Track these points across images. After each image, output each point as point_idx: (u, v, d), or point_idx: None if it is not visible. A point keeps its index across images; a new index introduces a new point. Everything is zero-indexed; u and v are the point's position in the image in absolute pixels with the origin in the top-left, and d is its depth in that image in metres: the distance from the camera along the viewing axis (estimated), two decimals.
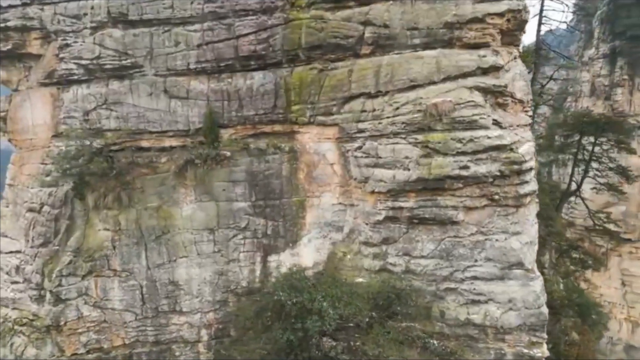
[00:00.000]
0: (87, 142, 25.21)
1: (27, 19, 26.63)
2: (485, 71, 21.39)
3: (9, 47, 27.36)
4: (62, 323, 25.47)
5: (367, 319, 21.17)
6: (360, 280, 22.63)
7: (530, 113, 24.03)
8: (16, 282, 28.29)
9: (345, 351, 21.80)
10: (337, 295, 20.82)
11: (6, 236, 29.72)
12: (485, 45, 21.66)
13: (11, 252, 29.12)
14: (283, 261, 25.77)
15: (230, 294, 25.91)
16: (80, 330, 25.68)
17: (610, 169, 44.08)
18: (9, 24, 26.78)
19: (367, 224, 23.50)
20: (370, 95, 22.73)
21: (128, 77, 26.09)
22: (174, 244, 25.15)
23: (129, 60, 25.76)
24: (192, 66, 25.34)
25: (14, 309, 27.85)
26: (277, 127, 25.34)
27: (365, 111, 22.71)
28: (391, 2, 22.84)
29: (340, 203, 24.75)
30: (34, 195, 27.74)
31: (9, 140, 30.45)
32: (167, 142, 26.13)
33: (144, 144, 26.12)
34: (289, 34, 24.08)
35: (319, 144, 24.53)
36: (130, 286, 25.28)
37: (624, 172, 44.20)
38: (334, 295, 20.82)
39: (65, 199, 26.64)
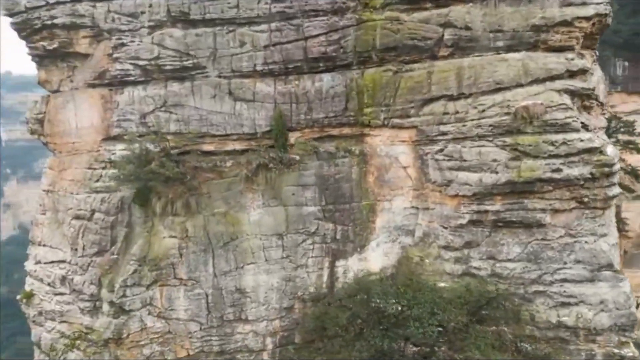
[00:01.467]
0: (151, 146, 23.54)
1: (77, 16, 25.05)
2: (572, 74, 21.30)
3: (55, 45, 25.70)
4: (124, 335, 24.09)
5: (452, 324, 20.36)
6: (442, 284, 22.14)
7: (607, 115, 23.89)
8: (62, 294, 26.74)
9: (432, 357, 20.96)
10: (435, 301, 20.00)
11: (45, 245, 27.97)
12: (570, 48, 21.51)
13: (53, 262, 27.50)
14: (350, 266, 25.04)
15: (297, 300, 25.05)
16: (143, 342, 24.32)
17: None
18: (57, 21, 25.16)
19: (445, 227, 22.96)
20: (452, 98, 22.24)
21: (189, 79, 24.81)
22: (242, 251, 24.05)
23: (190, 61, 24.49)
24: (258, 68, 24.30)
25: (62, 322, 26.30)
26: (346, 130, 24.60)
27: (447, 113, 22.19)
28: (471, 4, 22.39)
29: (412, 207, 24.13)
30: (81, 201, 26.13)
31: (46, 144, 28.51)
32: (231, 146, 25.07)
33: (207, 147, 24.86)
34: (362, 35, 23.39)
35: (392, 147, 23.91)
36: (196, 295, 24.06)
37: (632, 172, 44.92)
38: (431, 300, 19.99)
39: (121, 206, 25.12)
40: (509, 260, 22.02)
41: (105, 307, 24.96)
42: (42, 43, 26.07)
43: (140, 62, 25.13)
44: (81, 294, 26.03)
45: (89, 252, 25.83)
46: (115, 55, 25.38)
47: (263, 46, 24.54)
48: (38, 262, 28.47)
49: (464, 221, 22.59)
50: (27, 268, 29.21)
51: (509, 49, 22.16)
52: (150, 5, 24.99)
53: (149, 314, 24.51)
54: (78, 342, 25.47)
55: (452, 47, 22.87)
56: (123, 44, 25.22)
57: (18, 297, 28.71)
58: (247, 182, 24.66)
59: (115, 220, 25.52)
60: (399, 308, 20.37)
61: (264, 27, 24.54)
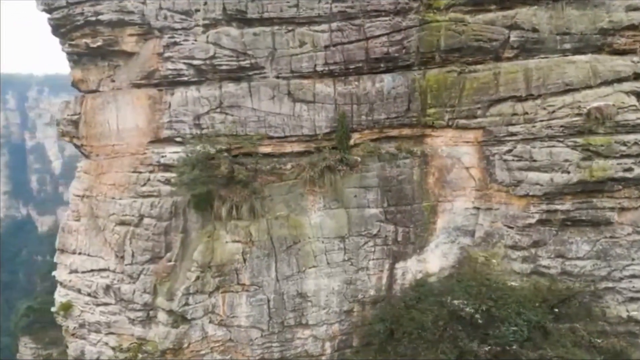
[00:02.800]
0: (212, 149, 22.76)
1: (125, 12, 24.00)
2: (637, 76, 21.78)
3: (99, 43, 24.48)
4: (184, 345, 22.96)
5: (534, 323, 20.62)
6: (513, 284, 22.23)
7: None
8: (106, 304, 25.66)
9: (520, 356, 20.98)
10: (519, 301, 20.14)
11: (81, 253, 26.71)
12: (632, 51, 22.15)
13: (92, 270, 26.30)
14: (409, 268, 25.02)
15: (356, 303, 24.68)
16: (203, 352, 23.56)
17: None
18: (102, 17, 24.02)
19: (511, 227, 23.27)
20: (520, 99, 22.59)
21: (246, 79, 24.17)
22: (304, 254, 23.67)
23: (248, 61, 23.84)
24: (319, 68, 23.96)
25: (109, 333, 25.16)
26: (406, 131, 24.57)
27: (516, 114, 22.48)
28: (536, 6, 22.73)
29: (474, 207, 24.14)
30: (125, 206, 25.08)
31: (79, 147, 27.13)
32: (289, 148, 24.58)
33: (264, 149, 24.08)
34: (426, 36, 23.38)
35: (454, 148, 24.01)
36: (258, 301, 23.52)
37: None
38: (516, 300, 20.15)
39: (175, 210, 23.99)
40: (579, 258, 22.46)
41: (162, 316, 23.98)
42: (84, 40, 24.81)
43: (195, 62, 24.27)
44: (131, 304, 24.94)
45: (139, 260, 24.75)
46: (166, 55, 24.41)
47: (323, 46, 24.21)
48: (74, 272, 27.09)
49: (532, 221, 22.88)
50: (59, 278, 27.78)
51: (576, 51, 22.66)
52: (205, 3, 24.17)
53: (210, 322, 23.77)
54: (129, 354, 24.19)
55: (517, 49, 23.16)
56: (176, 43, 24.30)
57: (53, 309, 27.05)
58: (308, 185, 24.19)
59: (169, 226, 24.59)
60: (484, 308, 20.32)
61: (324, 27, 24.15)
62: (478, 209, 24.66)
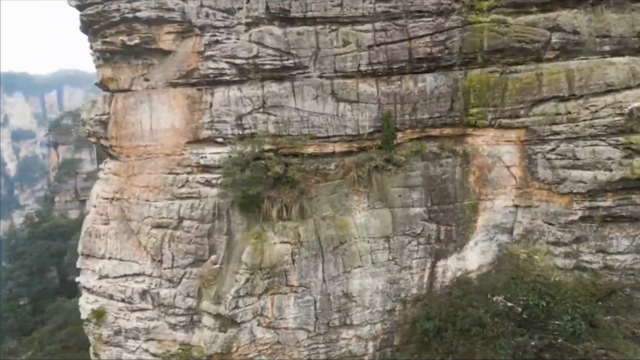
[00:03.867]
0: (255, 149, 22.71)
1: (165, 10, 23.63)
2: None
3: (136, 41, 24.05)
4: (233, 349, 22.74)
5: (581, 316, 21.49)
6: (557, 279, 22.91)
7: None
8: (143, 310, 25.24)
9: (551, 348, 21.84)
10: (574, 295, 20.92)
11: (112, 258, 26.17)
12: None
13: (126, 275, 25.73)
14: (449, 266, 25.55)
15: (399, 302, 25.03)
16: (251, 355, 23.51)
17: None
18: (140, 14, 23.56)
19: (552, 224, 24.15)
20: (562, 99, 23.42)
21: (289, 79, 24.15)
22: (350, 254, 23.87)
23: (291, 61, 23.85)
24: (362, 68, 24.20)
25: (148, 340, 24.74)
26: (447, 130, 25.07)
27: (559, 114, 23.29)
28: (576, 9, 23.52)
29: (513, 205, 24.80)
30: (162, 209, 24.74)
31: (108, 148, 26.56)
32: (331, 148, 24.71)
33: (307, 150, 24.05)
34: (469, 37, 23.95)
35: (496, 147, 24.64)
36: (305, 302, 23.61)
37: None
38: (571, 295, 20.92)
39: (218, 212, 23.74)
40: (619, 252, 23.43)
41: (208, 320, 23.72)
42: (120, 38, 24.25)
43: (237, 61, 24.11)
44: (172, 308, 24.59)
45: (181, 263, 24.41)
46: (208, 53, 24.13)
47: (367, 46, 24.42)
48: (104, 277, 26.46)
49: (575, 217, 23.72)
50: (86, 284, 27.08)
51: (615, 53, 23.60)
52: (248, 1, 24.11)
53: (259, 324, 23.67)
54: (176, 359, 23.74)
55: (558, 50, 23.97)
56: (218, 42, 24.08)
57: (85, 316, 26.26)
58: (353, 185, 24.35)
59: (211, 228, 24.34)
60: (544, 304, 20.97)
61: (368, 26, 24.38)
62: (517, 206, 25.38)
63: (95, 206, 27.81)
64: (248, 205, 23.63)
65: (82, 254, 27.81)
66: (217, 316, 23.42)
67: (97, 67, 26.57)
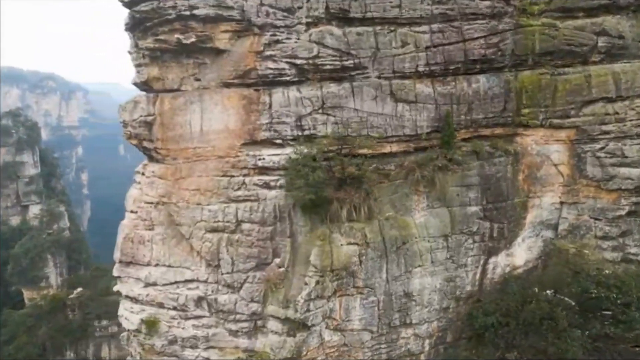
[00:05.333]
0: (323, 150, 22.84)
1: (224, 8, 23.35)
2: None
3: (192, 40, 23.67)
4: (303, 354, 22.74)
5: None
6: (607, 272, 24.32)
7: None
8: (199, 317, 24.82)
9: (604, 338, 23.25)
10: (638, 286, 22.34)
11: (160, 264, 25.73)
12: None
13: (177, 282, 25.14)
14: (499, 262, 26.61)
15: (453, 300, 25.72)
16: (319, 359, 23.71)
17: None
18: (197, 12, 23.20)
19: (599, 219, 25.73)
20: (610, 100, 24.92)
21: (348, 79, 24.48)
22: (411, 254, 24.51)
23: (351, 61, 24.19)
24: (420, 69, 24.86)
25: (208, 348, 24.27)
26: (498, 130, 26.12)
27: (608, 114, 24.80)
28: (619, 15, 25.05)
29: (560, 202, 26.10)
30: (217, 212, 24.52)
31: (151, 150, 25.81)
32: (388, 148, 25.09)
33: (364, 150, 24.35)
34: (522, 40, 25.13)
35: (545, 146, 25.93)
36: (370, 303, 24.01)
37: None
38: (636, 286, 22.31)
39: (280, 214, 23.66)
40: None
41: (275, 325, 23.57)
42: (176, 36, 23.62)
43: (298, 61, 24.15)
44: (232, 314, 24.34)
45: (242, 268, 24.16)
46: (267, 53, 23.99)
47: (425, 47, 24.94)
48: (151, 285, 25.72)
49: (622, 212, 25.30)
50: (129, 293, 26.29)
51: None
52: (308, 0, 24.03)
53: (327, 327, 23.65)
54: None
55: (604, 54, 25.48)
56: (278, 41, 23.97)
57: (131, 327, 25.38)
58: (413, 185, 24.87)
59: (273, 231, 24.18)
60: (614, 296, 22.24)
61: (425, 28, 25.03)
62: (562, 203, 26.74)
63: (134, 211, 26.89)
64: (312, 206, 23.60)
65: (120, 262, 26.82)
66: (285, 320, 23.26)
67: (140, 65, 25.71)
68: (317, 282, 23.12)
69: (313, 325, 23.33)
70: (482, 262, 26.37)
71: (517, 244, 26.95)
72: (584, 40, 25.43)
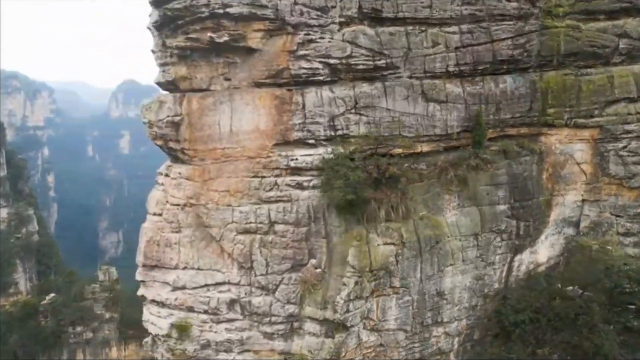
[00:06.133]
0: (361, 150, 23.03)
1: (258, 6, 23.24)
2: None
3: (225, 38, 23.51)
4: (342, 355, 22.79)
5: None
6: (628, 267, 25.14)
7: None
8: (232, 320, 24.63)
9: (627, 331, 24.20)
10: None
11: (188, 267, 25.40)
12: None
13: (207, 285, 24.85)
14: (523, 260, 27.26)
15: (481, 297, 26.18)
16: (356, 359, 23.23)
17: None
18: (231, 10, 23.01)
19: (620, 216, 26.72)
20: (632, 100, 25.76)
21: (380, 79, 24.73)
22: (444, 253, 24.90)
23: (383, 61, 24.48)
24: (450, 69, 25.33)
25: (243, 351, 24.20)
26: (523, 130, 26.79)
27: (630, 114, 25.65)
28: (639, 18, 25.70)
29: (582, 200, 26.85)
30: (248, 213, 24.46)
31: (178, 151, 25.39)
32: (419, 148, 25.42)
33: (396, 150, 24.59)
34: (547, 41, 25.90)
35: (568, 145, 26.74)
36: (405, 302, 24.28)
37: None
38: None
39: (314, 215, 23.68)
40: None
41: (312, 326, 23.52)
42: (209, 34, 23.33)
43: (331, 61, 24.24)
44: (267, 317, 24.26)
45: (277, 269, 24.06)
46: (300, 53, 23.97)
47: (454, 47, 25.27)
48: (179, 289, 25.41)
49: None
50: (157, 297, 25.84)
51: None
52: (341, 0, 23.93)
53: (364, 327, 23.68)
54: None
55: (625, 55, 26.43)
56: (312, 41, 23.98)
57: (160, 332, 24.92)
58: (445, 184, 25.16)
59: (308, 231, 24.08)
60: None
61: (454, 28, 25.45)
62: (584, 201, 27.46)
63: (157, 214, 26.41)
64: (347, 207, 23.61)
65: (144, 265, 26.32)
66: (323, 322, 23.21)
67: (166, 64, 25.33)
68: (356, 283, 23.15)
69: (352, 326, 23.34)
70: (508, 259, 26.89)
71: (540, 241, 27.59)
72: (606, 42, 26.24)
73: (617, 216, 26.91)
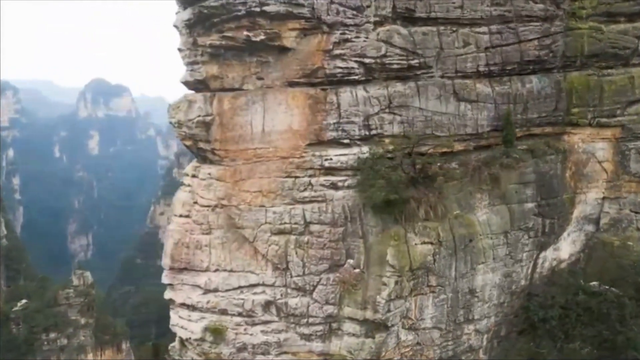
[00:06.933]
0: (401, 149, 23.19)
1: (294, 5, 23.18)
2: None
3: (261, 37, 23.36)
4: (382, 355, 22.95)
5: None
6: None
7: None
8: (267, 322, 24.35)
9: None
10: None
11: (220, 270, 25.11)
12: None
13: (240, 287, 24.66)
14: (547, 256, 27.97)
15: (509, 294, 26.71)
16: (395, 359, 23.45)
17: None
18: (268, 8, 22.88)
19: (639, 213, 27.02)
20: None
21: (413, 79, 24.95)
22: (477, 251, 25.32)
23: (417, 61, 24.72)
24: (481, 69, 25.81)
25: (281, 354, 23.91)
26: (548, 129, 27.42)
27: None
28: None
29: (603, 197, 27.64)
30: (282, 214, 24.42)
31: (207, 151, 25.13)
32: (448, 147, 25.53)
33: (426, 149, 24.90)
34: (572, 42, 26.66)
35: (591, 144, 27.54)
36: (440, 301, 24.60)
37: None
38: None
39: (350, 214, 23.74)
40: None
41: (352, 327, 23.60)
42: (245, 33, 23.03)
43: (366, 60, 24.31)
44: (305, 318, 24.19)
45: (314, 270, 24.01)
46: (336, 52, 23.98)
47: (484, 48, 25.62)
48: (211, 291, 25.11)
49: None
50: (188, 301, 25.45)
51: None
52: None
53: (403, 327, 23.81)
54: None
55: None
56: (347, 40, 23.99)
57: (193, 336, 24.51)
58: (477, 183, 25.55)
59: (345, 231, 24.05)
60: None
61: (484, 29, 25.87)
62: (604, 198, 28.25)
63: (185, 215, 25.97)
64: (384, 206, 23.68)
65: (172, 269, 25.85)
66: (363, 322, 23.27)
67: (195, 63, 24.95)
68: (396, 282, 23.27)
69: (392, 325, 23.47)
70: (534, 256, 27.43)
71: (562, 238, 28.28)
72: (627, 44, 27.10)
73: (637, 213, 27.82)
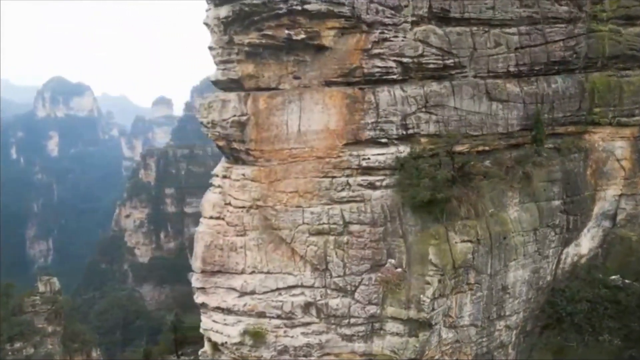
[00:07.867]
0: (445, 148, 23.53)
1: (335, 4, 23.23)
2: None
3: (302, 36, 23.27)
4: (425, 353, 23.17)
5: None
6: None
7: None
8: (307, 324, 24.25)
9: None
10: None
11: (256, 272, 24.88)
12: None
13: (278, 289, 24.48)
14: (569, 252, 28.86)
15: (535, 290, 27.41)
16: (436, 357, 24.24)
17: None
18: (309, 7, 22.91)
19: None
20: None
21: (448, 78, 25.34)
22: (510, 248, 25.93)
23: (452, 60, 25.15)
24: (511, 69, 26.43)
25: (323, 355, 23.76)
26: (571, 128, 28.10)
27: None
28: None
29: (620, 194, 28.70)
30: (320, 214, 24.46)
31: (241, 151, 24.84)
32: (481, 146, 26.09)
33: (459, 148, 25.27)
34: (594, 44, 27.63)
35: (610, 143, 28.62)
36: (477, 298, 25.05)
37: None
38: None
39: (390, 214, 23.89)
40: None
41: (395, 326, 23.73)
42: (287, 31, 22.80)
43: (404, 60, 24.49)
44: (346, 319, 24.15)
45: (356, 270, 24.00)
46: (375, 51, 24.04)
47: (514, 48, 26.15)
48: (248, 294, 24.83)
49: None
50: (223, 304, 25.07)
51: None
52: None
53: (444, 325, 24.04)
54: None
55: None
56: (386, 39, 24.09)
57: (231, 340, 24.09)
58: (509, 182, 26.00)
59: (385, 231, 24.09)
60: None
61: (514, 29, 26.44)
62: (621, 195, 29.27)
63: (215, 217, 25.49)
64: (424, 205, 23.83)
65: (203, 272, 25.34)
66: (407, 321, 23.37)
67: (230, 62, 24.53)
68: (439, 281, 23.49)
69: (435, 324, 23.67)
70: (559, 252, 28.15)
71: (583, 234, 29.17)
72: None
73: None
